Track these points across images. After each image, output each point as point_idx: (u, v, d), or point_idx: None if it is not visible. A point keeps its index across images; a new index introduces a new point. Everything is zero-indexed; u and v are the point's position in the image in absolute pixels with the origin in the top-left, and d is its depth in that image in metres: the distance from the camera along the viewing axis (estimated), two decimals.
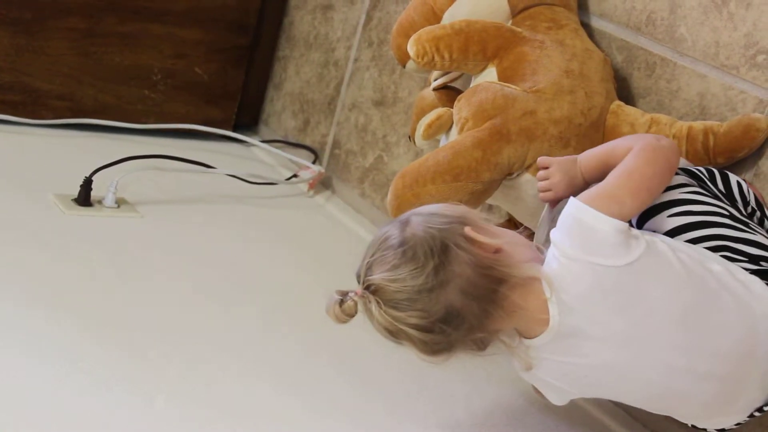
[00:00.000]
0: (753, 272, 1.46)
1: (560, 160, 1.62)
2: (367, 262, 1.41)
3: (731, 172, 1.67)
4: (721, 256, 1.47)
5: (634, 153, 1.46)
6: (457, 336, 1.40)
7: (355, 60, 2.46)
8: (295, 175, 2.50)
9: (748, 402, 1.47)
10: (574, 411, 1.81)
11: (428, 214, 1.43)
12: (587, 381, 1.47)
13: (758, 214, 1.60)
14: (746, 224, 1.51)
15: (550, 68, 1.79)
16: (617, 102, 1.80)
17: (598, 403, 1.84)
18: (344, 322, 1.42)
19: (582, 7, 1.95)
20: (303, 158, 2.55)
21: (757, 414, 1.49)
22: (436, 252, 1.38)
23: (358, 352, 1.80)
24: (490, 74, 1.83)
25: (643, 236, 1.43)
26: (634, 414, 1.82)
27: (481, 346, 1.43)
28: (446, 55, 1.81)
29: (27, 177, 2.19)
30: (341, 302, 1.41)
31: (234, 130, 2.66)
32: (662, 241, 1.44)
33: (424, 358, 1.43)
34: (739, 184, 1.59)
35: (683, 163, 1.63)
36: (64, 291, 1.81)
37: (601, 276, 1.39)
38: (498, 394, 1.80)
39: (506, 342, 1.44)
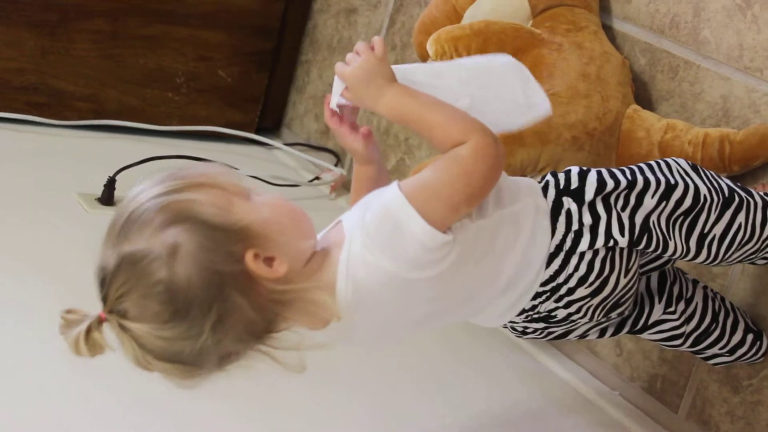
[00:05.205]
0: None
1: (379, 68, 1.30)
2: (118, 290, 1.23)
3: (749, 176, 1.67)
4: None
5: (474, 152, 1.23)
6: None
7: None
8: (317, 178, 2.50)
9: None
10: (594, 411, 1.81)
11: (202, 236, 1.16)
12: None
13: None
14: None
15: (567, 71, 1.79)
16: (634, 106, 1.80)
17: (617, 403, 1.84)
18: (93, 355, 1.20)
19: (605, 10, 1.95)
20: (325, 161, 2.55)
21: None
22: (215, 306, 1.15)
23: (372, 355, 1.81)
24: None
25: (453, 250, 1.24)
26: (656, 417, 1.82)
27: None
28: (465, 56, 1.82)
29: (51, 176, 2.20)
30: (87, 331, 1.21)
31: (256, 133, 2.67)
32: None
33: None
34: None
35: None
36: (87, 288, 1.81)
37: (390, 282, 1.23)
38: (519, 395, 1.80)
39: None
